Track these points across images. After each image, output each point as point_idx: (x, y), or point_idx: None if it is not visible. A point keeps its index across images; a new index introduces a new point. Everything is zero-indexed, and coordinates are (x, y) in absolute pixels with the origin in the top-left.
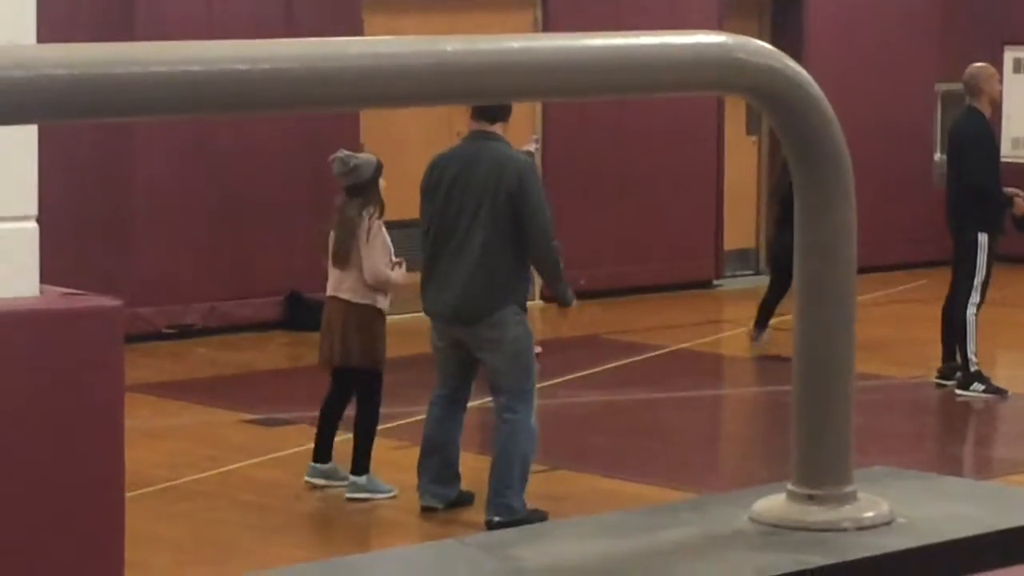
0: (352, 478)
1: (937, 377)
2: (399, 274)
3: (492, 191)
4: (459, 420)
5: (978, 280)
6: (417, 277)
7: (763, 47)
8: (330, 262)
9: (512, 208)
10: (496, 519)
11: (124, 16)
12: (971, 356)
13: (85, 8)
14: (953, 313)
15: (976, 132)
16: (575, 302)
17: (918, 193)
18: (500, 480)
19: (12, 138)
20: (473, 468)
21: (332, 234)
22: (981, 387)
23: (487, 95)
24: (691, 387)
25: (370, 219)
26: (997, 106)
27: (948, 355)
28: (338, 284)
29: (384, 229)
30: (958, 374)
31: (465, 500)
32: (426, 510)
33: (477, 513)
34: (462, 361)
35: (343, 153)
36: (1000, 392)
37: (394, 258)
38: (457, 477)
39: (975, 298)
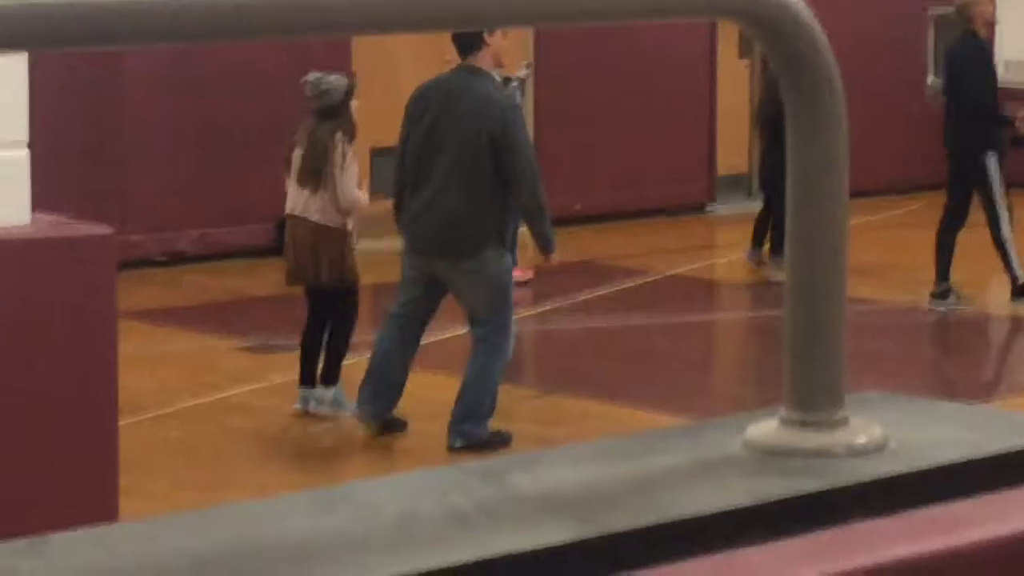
0: (320, 389)
1: (931, 299)
2: (365, 196)
3: (474, 133)
4: (415, 344)
5: (999, 198)
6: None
7: None
8: (294, 180)
9: (494, 151)
10: (460, 443)
11: None
12: (1017, 272)
13: None
14: (943, 237)
15: (974, 56)
16: (555, 254)
17: (912, 117)
18: (468, 408)
19: (2, 65)
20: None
21: (298, 153)
22: None
23: (479, 21)
24: (685, 312)
25: (343, 144)
26: (991, 27)
27: (941, 277)
28: (306, 205)
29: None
30: (950, 296)
31: (396, 426)
32: (361, 421)
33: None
34: (428, 286)
35: (314, 76)
36: None
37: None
38: (396, 397)
39: (1004, 215)
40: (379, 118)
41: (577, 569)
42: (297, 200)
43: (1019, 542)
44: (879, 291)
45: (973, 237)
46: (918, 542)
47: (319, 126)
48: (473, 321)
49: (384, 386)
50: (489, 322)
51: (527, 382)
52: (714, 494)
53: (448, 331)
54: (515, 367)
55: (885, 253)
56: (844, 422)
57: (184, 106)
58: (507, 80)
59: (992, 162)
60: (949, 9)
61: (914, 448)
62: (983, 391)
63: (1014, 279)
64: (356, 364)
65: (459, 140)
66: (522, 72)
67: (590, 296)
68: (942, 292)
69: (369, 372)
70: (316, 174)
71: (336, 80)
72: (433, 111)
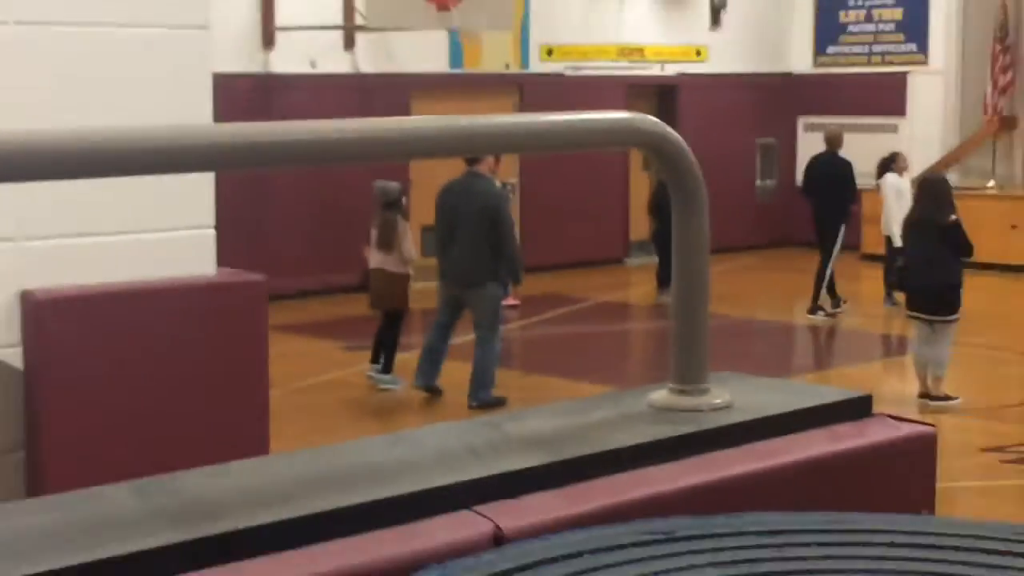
0: (380, 373)
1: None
2: (417, 252)
3: (478, 214)
4: (448, 338)
5: (836, 252)
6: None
7: (654, 120)
8: (374, 247)
9: (491, 224)
10: (475, 404)
11: (264, 107)
12: (822, 297)
13: (241, 102)
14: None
15: (846, 168)
16: (521, 283)
17: (745, 205)
18: (477, 381)
19: (199, 177)
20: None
21: (373, 232)
22: (822, 312)
23: (488, 150)
24: (611, 323)
25: (401, 223)
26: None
27: (829, 294)
28: (383, 261)
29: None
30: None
31: (437, 391)
32: (416, 388)
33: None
34: (455, 306)
35: (380, 183)
36: (834, 314)
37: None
38: (438, 373)
39: (832, 262)
40: (427, 208)
41: (548, 481)
42: (377, 259)
43: (814, 462)
44: (730, 310)
45: (794, 278)
46: (751, 464)
47: (385, 214)
48: (477, 326)
49: (429, 367)
50: (487, 327)
51: (515, 367)
52: (631, 435)
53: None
54: (507, 358)
55: (732, 286)
56: (707, 390)
57: (309, 197)
58: (504, 184)
59: (843, 230)
60: (768, 139)
61: (749, 406)
62: (789, 370)
63: (815, 301)
64: (405, 357)
65: (468, 219)
66: (512, 180)
67: (553, 314)
68: (825, 305)
69: (421, 359)
70: (388, 242)
71: (394, 185)
72: (451, 202)
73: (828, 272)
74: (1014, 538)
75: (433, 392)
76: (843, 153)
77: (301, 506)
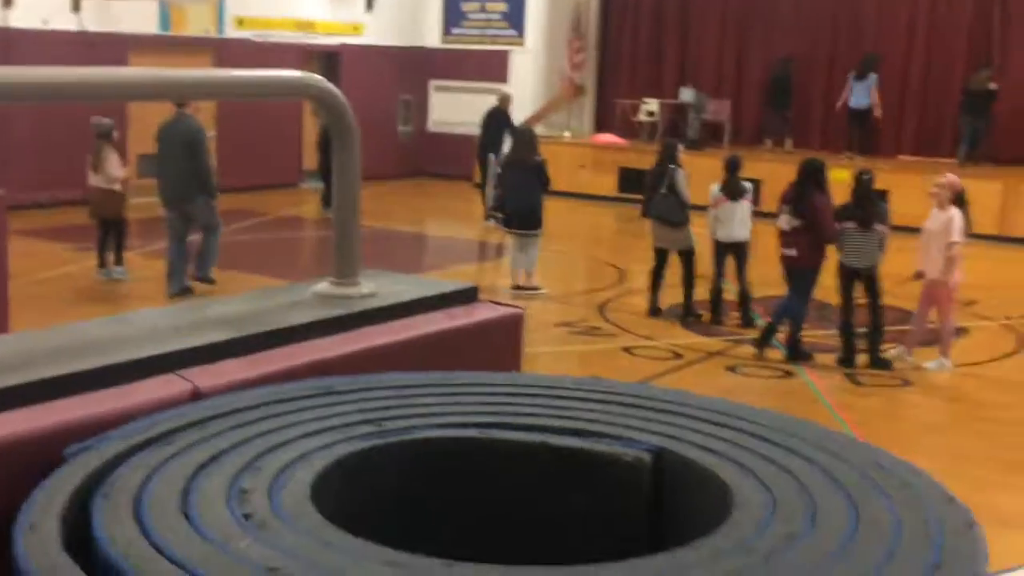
0: (113, 266)
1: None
2: (125, 174)
3: (181, 145)
4: (184, 249)
5: (490, 175)
6: None
7: (321, 79)
8: (91, 169)
9: (191, 153)
10: (201, 277)
11: (4, 56)
12: (489, 205)
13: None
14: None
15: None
16: (215, 198)
17: (390, 144)
18: (204, 261)
19: None
20: None
21: (90, 156)
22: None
23: (195, 97)
24: (287, 232)
25: (107, 149)
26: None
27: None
28: (96, 180)
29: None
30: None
31: (190, 291)
32: (173, 296)
33: None
34: (181, 220)
35: (96, 119)
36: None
37: None
38: (185, 277)
39: (490, 191)
40: (142, 139)
41: (237, 351)
42: (92, 179)
43: (436, 335)
44: (376, 223)
45: (424, 201)
46: (390, 336)
47: (98, 142)
48: (202, 228)
49: (178, 275)
50: (208, 226)
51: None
52: (300, 315)
53: None
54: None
55: (378, 205)
56: (358, 283)
57: (43, 128)
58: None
59: (491, 159)
60: (408, 96)
61: (388, 294)
62: (419, 268)
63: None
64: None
65: (173, 149)
66: (212, 133)
67: (243, 225)
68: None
69: (168, 271)
70: (97, 166)
71: (107, 121)
72: (162, 137)
73: (487, 190)
74: (574, 386)
75: (187, 293)
76: (490, 107)
77: (37, 372)
